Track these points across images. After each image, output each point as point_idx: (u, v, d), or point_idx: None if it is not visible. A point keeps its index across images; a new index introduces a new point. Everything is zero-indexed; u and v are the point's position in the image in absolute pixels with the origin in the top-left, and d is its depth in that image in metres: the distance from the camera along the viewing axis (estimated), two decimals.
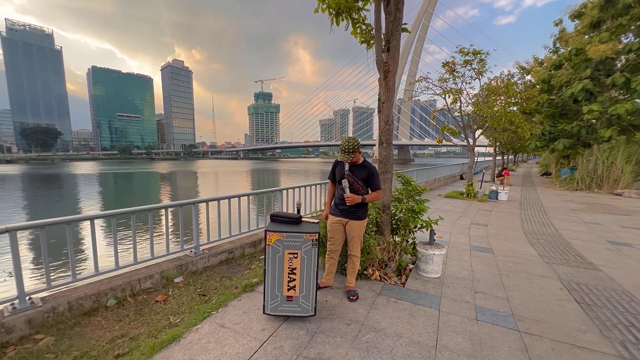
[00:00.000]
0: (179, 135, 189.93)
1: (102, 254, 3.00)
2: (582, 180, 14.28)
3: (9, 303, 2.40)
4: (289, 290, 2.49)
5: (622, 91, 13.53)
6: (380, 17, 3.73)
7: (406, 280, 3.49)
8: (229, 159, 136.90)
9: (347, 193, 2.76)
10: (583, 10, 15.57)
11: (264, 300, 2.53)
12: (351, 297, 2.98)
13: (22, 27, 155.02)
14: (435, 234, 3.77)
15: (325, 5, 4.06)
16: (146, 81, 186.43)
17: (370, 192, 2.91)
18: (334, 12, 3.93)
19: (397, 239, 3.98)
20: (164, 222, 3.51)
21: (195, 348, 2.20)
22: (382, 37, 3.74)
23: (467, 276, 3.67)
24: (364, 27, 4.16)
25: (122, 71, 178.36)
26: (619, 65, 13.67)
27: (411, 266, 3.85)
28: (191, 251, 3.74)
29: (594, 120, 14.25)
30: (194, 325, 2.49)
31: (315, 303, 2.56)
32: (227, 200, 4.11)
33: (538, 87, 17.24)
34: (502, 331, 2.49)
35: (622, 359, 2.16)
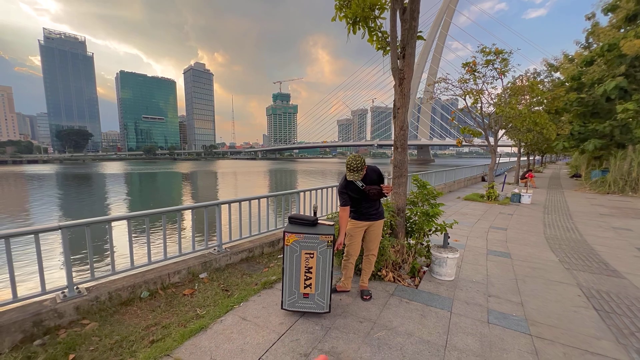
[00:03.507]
0: (200, 136, 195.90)
1: (135, 250, 3.31)
2: (614, 183, 13.51)
3: (60, 291, 2.73)
4: (305, 288, 2.66)
5: None
6: (396, 26, 3.83)
7: (419, 282, 3.56)
8: (248, 159, 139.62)
9: (385, 183, 2.98)
10: (617, 3, 14.74)
11: (282, 297, 2.71)
12: (365, 297, 3.11)
13: (57, 36, 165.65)
14: (449, 237, 3.81)
15: (342, 14, 4.21)
16: (170, 84, 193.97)
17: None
18: (350, 22, 4.06)
19: (412, 241, 4.06)
20: (190, 221, 3.78)
21: (220, 337, 2.42)
22: (398, 44, 3.84)
23: (482, 280, 3.69)
24: (380, 34, 4.25)
25: (148, 75, 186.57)
26: None
27: (425, 269, 3.91)
28: (214, 249, 4.00)
29: (629, 119, 13.45)
30: (218, 317, 2.71)
31: (330, 301, 2.71)
32: (247, 202, 4.34)
33: (567, 84, 16.48)
34: (514, 334, 2.54)
35: None
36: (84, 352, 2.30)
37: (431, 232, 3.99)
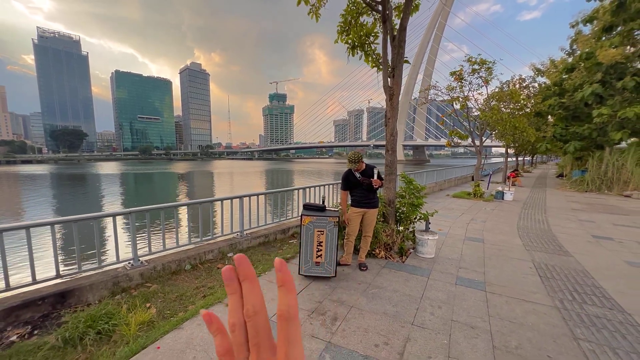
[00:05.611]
0: (196, 136, 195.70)
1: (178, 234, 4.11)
2: (592, 182, 14.57)
3: (128, 262, 3.53)
4: (317, 257, 3.50)
5: (633, 95, 13.77)
6: (387, 51, 4.68)
7: (406, 259, 4.43)
8: (244, 159, 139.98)
9: (375, 178, 3.82)
10: (595, 15, 15.81)
11: (299, 265, 3.54)
12: (362, 268, 3.96)
13: (51, 35, 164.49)
14: (430, 223, 4.69)
15: (344, 38, 5.07)
16: (165, 84, 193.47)
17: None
18: (350, 46, 4.92)
19: (401, 228, 4.91)
20: (219, 212, 4.59)
21: None
22: (389, 65, 4.69)
23: (456, 257, 4.56)
24: (374, 56, 5.11)
25: (144, 74, 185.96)
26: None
27: (412, 250, 4.77)
28: (238, 234, 4.82)
29: (606, 123, 14.50)
30: None
31: (336, 268, 3.56)
32: (263, 195, 5.17)
33: (551, 90, 17.55)
34: (473, 291, 3.41)
35: (554, 308, 3.04)
36: (156, 302, 3.11)
37: (416, 220, 4.85)
